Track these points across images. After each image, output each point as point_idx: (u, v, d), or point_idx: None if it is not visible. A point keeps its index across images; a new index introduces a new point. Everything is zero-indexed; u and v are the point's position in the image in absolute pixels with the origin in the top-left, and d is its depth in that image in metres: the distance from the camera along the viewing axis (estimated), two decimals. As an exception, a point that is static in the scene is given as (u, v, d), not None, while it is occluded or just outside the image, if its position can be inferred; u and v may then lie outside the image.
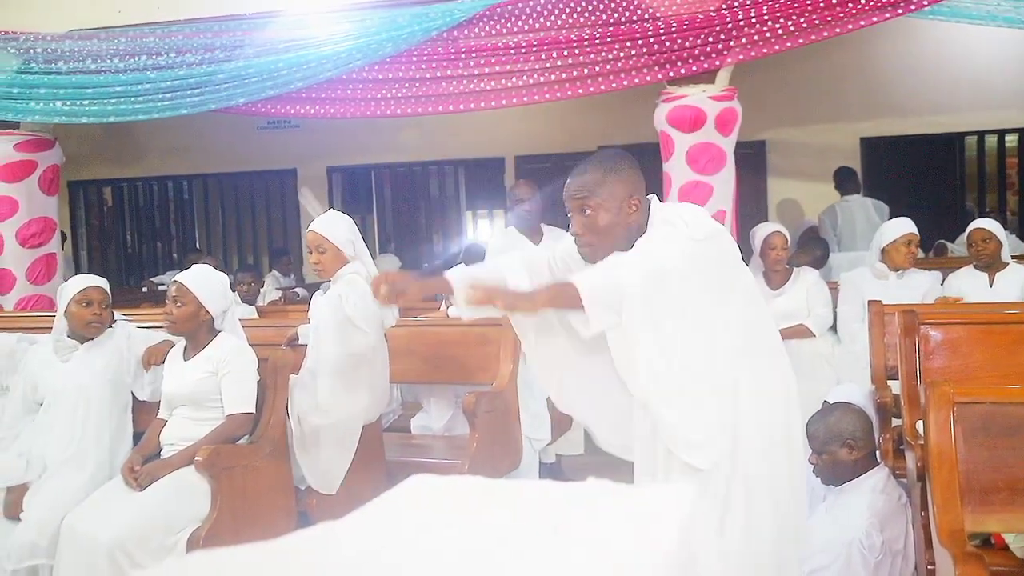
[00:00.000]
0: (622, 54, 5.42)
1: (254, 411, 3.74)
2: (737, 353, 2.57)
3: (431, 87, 5.73)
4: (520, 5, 5.55)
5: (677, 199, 5.18)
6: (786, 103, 8.78)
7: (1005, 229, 5.69)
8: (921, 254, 5.45)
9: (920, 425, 3.13)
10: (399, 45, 5.60)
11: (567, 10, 5.48)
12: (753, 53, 5.31)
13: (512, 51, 5.57)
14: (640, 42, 5.37)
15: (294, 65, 5.77)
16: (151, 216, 11.51)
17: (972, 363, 3.76)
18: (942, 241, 7.76)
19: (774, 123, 8.80)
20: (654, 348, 2.47)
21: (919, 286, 5.09)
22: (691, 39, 5.31)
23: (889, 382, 4.21)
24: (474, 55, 5.62)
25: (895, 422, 4.01)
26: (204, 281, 3.78)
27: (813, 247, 6.78)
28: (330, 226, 4.07)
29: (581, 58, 5.48)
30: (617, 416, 2.73)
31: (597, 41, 5.43)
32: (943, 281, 5.20)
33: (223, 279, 3.94)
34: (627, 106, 6.06)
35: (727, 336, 2.56)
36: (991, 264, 5.13)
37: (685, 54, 5.33)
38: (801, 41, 5.27)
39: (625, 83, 5.48)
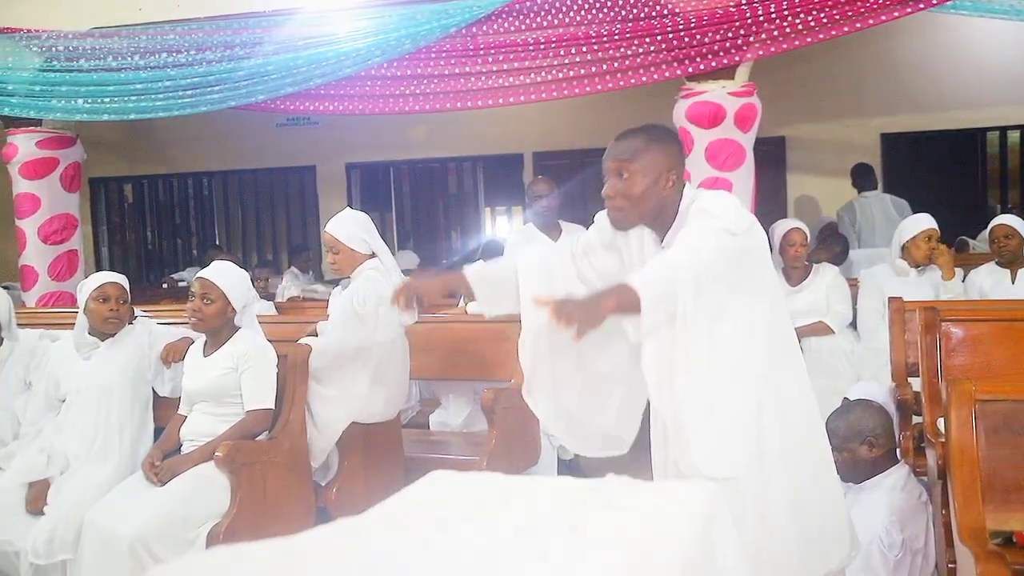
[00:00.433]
0: (641, 50, 5.41)
1: (274, 407, 3.76)
2: (765, 356, 2.52)
3: (450, 83, 5.74)
4: (539, 1, 5.54)
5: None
6: (806, 99, 8.73)
7: (1027, 225, 5.64)
8: (949, 252, 5.40)
9: (941, 423, 3.11)
10: (418, 42, 5.60)
11: (585, 6, 5.47)
12: (773, 49, 5.29)
13: (531, 47, 5.56)
14: (659, 38, 5.35)
15: (313, 62, 5.79)
16: (171, 213, 11.57)
17: (994, 360, 3.73)
18: (963, 238, 7.70)
19: (794, 119, 8.75)
20: (701, 351, 2.40)
21: (940, 282, 5.06)
22: (710, 35, 5.29)
23: (909, 379, 4.19)
24: (492, 51, 5.62)
25: (915, 419, 3.98)
26: (230, 277, 3.80)
27: (833, 243, 6.74)
28: (342, 227, 4.10)
29: (600, 54, 5.47)
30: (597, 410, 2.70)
31: (616, 37, 5.42)
32: (964, 278, 5.16)
33: (245, 275, 3.96)
34: (646, 102, 6.03)
35: (759, 339, 2.53)
36: (1013, 260, 5.09)
37: (704, 50, 5.31)
38: (821, 37, 5.24)
39: (644, 79, 5.46)
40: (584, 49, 5.48)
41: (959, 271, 5.15)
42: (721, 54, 5.31)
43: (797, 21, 5.18)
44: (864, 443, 3.42)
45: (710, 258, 2.38)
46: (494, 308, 2.73)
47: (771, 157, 8.36)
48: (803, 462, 2.58)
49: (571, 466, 5.41)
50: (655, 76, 5.45)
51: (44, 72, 6.20)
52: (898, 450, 3.67)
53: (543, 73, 5.58)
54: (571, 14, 5.50)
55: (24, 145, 6.43)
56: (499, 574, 0.73)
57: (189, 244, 11.62)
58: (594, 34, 5.46)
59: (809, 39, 5.23)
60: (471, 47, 5.65)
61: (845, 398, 4.03)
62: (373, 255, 4.11)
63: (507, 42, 5.59)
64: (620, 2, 5.41)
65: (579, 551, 0.76)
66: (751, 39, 5.26)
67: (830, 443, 3.44)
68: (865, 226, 7.68)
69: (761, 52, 5.30)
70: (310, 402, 3.94)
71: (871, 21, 5.19)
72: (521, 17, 5.57)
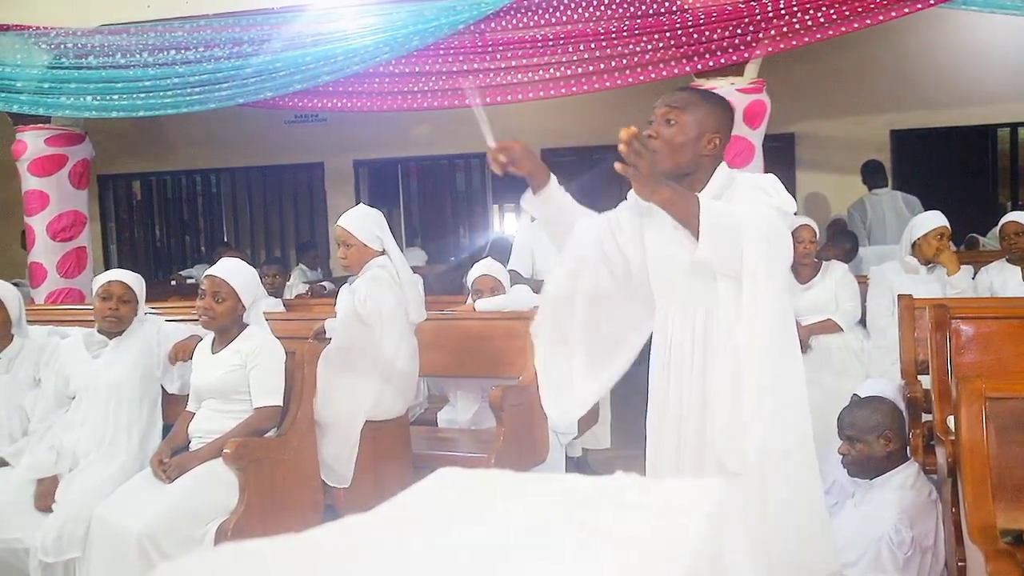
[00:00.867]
0: (649, 47, 5.40)
1: (282, 404, 3.76)
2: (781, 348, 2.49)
3: (458, 80, 5.73)
4: (547, -3, 5.54)
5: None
6: (815, 95, 8.71)
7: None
8: (953, 248, 5.39)
9: (951, 421, 3.09)
10: (426, 39, 5.60)
11: (594, 3, 5.46)
12: (782, 45, 5.27)
13: (539, 44, 5.56)
14: (668, 35, 5.34)
15: (321, 59, 5.79)
16: (179, 210, 11.59)
17: (1004, 358, 3.71)
18: (974, 235, 7.68)
19: (803, 116, 8.73)
20: (762, 308, 2.33)
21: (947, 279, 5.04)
22: (719, 31, 5.27)
23: (919, 377, 4.17)
24: (501, 48, 5.62)
25: (925, 417, 3.97)
26: (240, 275, 3.80)
27: (842, 241, 6.73)
28: (356, 221, 4.09)
29: (608, 51, 5.46)
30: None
31: (624, 34, 5.41)
32: (974, 275, 5.14)
33: (254, 272, 3.96)
34: (655, 99, 6.03)
35: (791, 328, 2.51)
36: (1024, 258, 5.08)
37: (713, 46, 5.30)
38: (831, 33, 5.22)
39: (653, 76, 5.45)
40: (593, 46, 5.47)
41: (969, 268, 5.13)
42: (730, 50, 5.29)
43: (806, 17, 5.16)
44: (881, 437, 3.41)
45: (770, 221, 2.36)
46: (548, 221, 2.72)
47: (780, 154, 8.34)
48: (800, 465, 2.56)
49: (579, 463, 5.41)
50: (664, 73, 5.43)
51: (53, 69, 6.21)
52: (908, 448, 3.66)
53: (551, 70, 5.57)
54: (579, 11, 5.50)
55: (33, 142, 6.45)
56: (507, 572, 0.73)
57: (197, 241, 11.65)
58: (603, 31, 5.45)
59: (818, 35, 5.21)
60: (479, 44, 5.65)
61: (855, 394, 4.02)
62: (383, 253, 4.11)
63: (515, 39, 5.59)
64: (628, -1, 5.40)
65: (588, 549, 0.76)
66: (760, 35, 5.25)
67: (844, 435, 3.44)
68: (876, 223, 7.65)
69: (770, 48, 5.29)
70: (323, 405, 3.94)
71: (881, 17, 5.17)
72: (529, 14, 5.56)
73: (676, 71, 5.41)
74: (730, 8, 5.23)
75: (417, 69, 5.78)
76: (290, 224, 11.04)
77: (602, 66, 5.49)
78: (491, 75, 5.65)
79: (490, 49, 5.63)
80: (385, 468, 4.09)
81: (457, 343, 4.74)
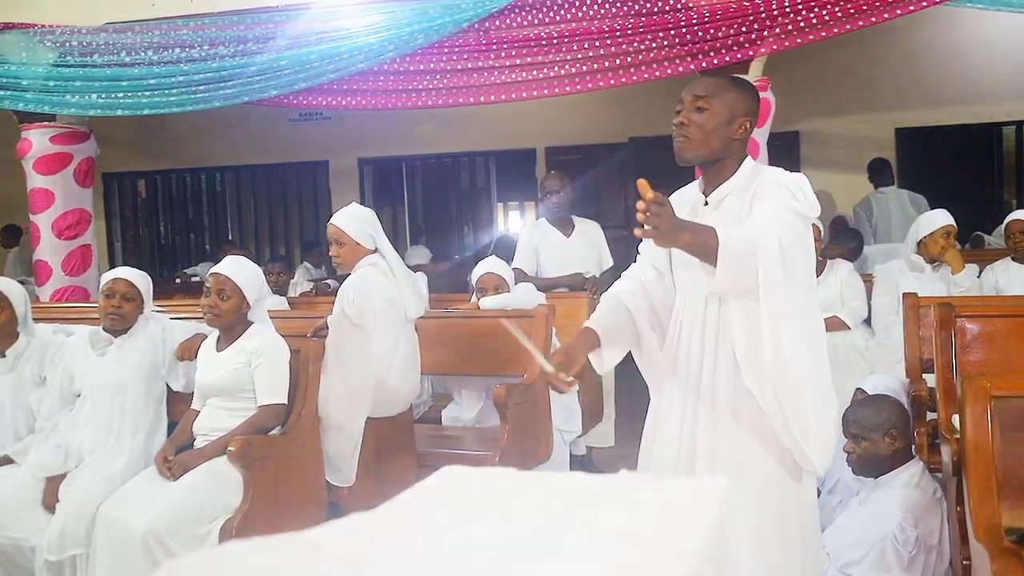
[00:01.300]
0: (654, 45, 5.39)
1: (286, 402, 3.76)
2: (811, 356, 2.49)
3: (462, 78, 5.73)
4: (551, -4, 5.53)
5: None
6: (820, 93, 8.70)
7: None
8: (958, 246, 5.38)
9: (956, 419, 3.09)
10: (431, 36, 5.60)
11: (598, 1, 5.46)
12: (786, 43, 5.26)
13: (543, 42, 5.55)
14: (672, 32, 5.33)
15: (326, 57, 5.79)
16: (184, 208, 11.61)
17: (1010, 356, 3.71)
18: (979, 233, 7.67)
19: (808, 114, 8.72)
20: (782, 324, 2.34)
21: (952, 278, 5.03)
22: (723, 29, 5.27)
23: (924, 375, 4.16)
24: (505, 46, 5.61)
25: (930, 416, 3.96)
26: (245, 272, 3.81)
27: (848, 239, 6.72)
28: (348, 220, 4.11)
29: (613, 49, 5.45)
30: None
31: (629, 32, 5.40)
32: (979, 274, 5.14)
33: (259, 270, 3.97)
34: (659, 97, 6.02)
35: (818, 328, 2.51)
36: (1029, 256, 5.07)
37: (718, 44, 5.29)
38: (835, 30, 5.21)
39: (657, 74, 5.45)
40: (597, 44, 5.47)
41: (974, 267, 5.12)
42: (735, 49, 5.29)
43: (811, 15, 5.15)
44: (887, 435, 3.40)
45: (793, 228, 2.36)
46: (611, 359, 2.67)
47: (785, 152, 8.33)
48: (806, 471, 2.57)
49: (583, 462, 5.42)
50: (668, 71, 5.43)
51: (58, 67, 6.21)
52: (912, 446, 3.66)
53: (556, 68, 5.57)
54: (584, 9, 5.49)
55: (38, 140, 6.45)
56: (511, 570, 0.73)
57: (202, 239, 11.66)
58: (607, 29, 5.44)
59: (823, 33, 5.20)
60: (484, 42, 5.65)
61: (859, 388, 4.02)
62: (376, 251, 4.11)
63: (520, 37, 5.58)
64: (633, -4, 5.40)
65: (592, 548, 0.76)
66: (765, 34, 5.24)
67: (849, 433, 3.44)
68: (881, 221, 7.64)
69: (775, 46, 5.28)
70: (323, 403, 3.94)
71: (886, 15, 5.16)
72: (534, 12, 5.56)
73: (680, 69, 5.40)
74: (734, 6, 5.22)
75: (422, 67, 5.78)
76: (295, 222, 11.05)
77: (606, 64, 5.48)
78: (495, 73, 5.65)
79: (494, 47, 5.63)
80: (389, 466, 4.09)
81: (461, 341, 4.74)
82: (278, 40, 5.86)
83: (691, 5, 5.31)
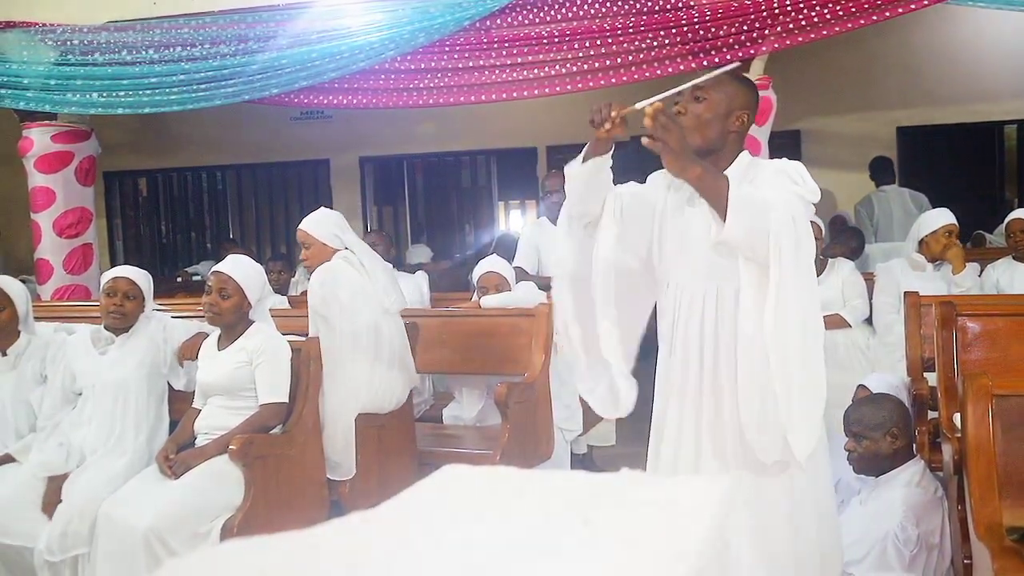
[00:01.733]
0: (655, 43, 5.39)
1: (287, 401, 3.76)
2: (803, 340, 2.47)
3: (463, 77, 5.73)
4: (553, -6, 5.53)
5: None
6: (821, 92, 8.69)
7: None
8: (959, 245, 5.37)
9: (957, 418, 3.09)
10: (432, 35, 5.60)
11: (600, -1, 5.46)
12: (788, 42, 5.26)
13: (545, 41, 5.55)
14: (674, 31, 5.33)
15: (327, 56, 5.79)
16: (185, 206, 11.60)
17: (1011, 355, 3.70)
18: (980, 232, 7.65)
19: (809, 112, 8.71)
20: (790, 291, 2.29)
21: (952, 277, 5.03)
22: (725, 28, 5.26)
23: (925, 374, 4.16)
24: (507, 45, 5.61)
25: (931, 415, 3.96)
26: (246, 271, 3.81)
27: (849, 238, 6.71)
28: (313, 222, 4.17)
29: (614, 47, 5.45)
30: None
31: (630, 30, 5.40)
32: (981, 272, 5.13)
33: (261, 269, 3.97)
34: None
35: (817, 319, 2.48)
36: (1031, 255, 5.06)
37: (719, 43, 5.29)
38: (837, 29, 5.21)
39: (659, 72, 5.44)
40: (598, 42, 5.46)
41: (976, 265, 5.12)
42: (736, 47, 5.28)
43: (813, 14, 5.15)
44: (888, 434, 3.40)
45: (799, 209, 2.34)
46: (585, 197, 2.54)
47: (786, 151, 8.30)
48: (820, 465, 2.56)
49: (585, 460, 5.42)
50: (670, 69, 5.42)
51: (59, 66, 6.21)
52: (914, 445, 3.66)
53: (557, 67, 5.57)
54: (585, 7, 5.49)
55: (39, 139, 6.45)
56: (511, 570, 0.73)
57: (203, 238, 11.65)
58: (608, 27, 5.44)
59: (825, 32, 5.20)
60: (485, 40, 5.64)
61: (861, 385, 4.02)
62: (346, 250, 4.10)
63: (521, 35, 5.58)
64: (634, -5, 5.39)
65: (592, 547, 0.76)
66: (766, 32, 5.24)
67: (851, 432, 3.44)
68: (883, 220, 7.64)
69: (776, 45, 5.28)
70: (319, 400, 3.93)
71: (887, 14, 5.16)
72: (535, 10, 5.56)
73: (682, 68, 5.40)
74: (736, 5, 5.22)
75: (423, 66, 5.78)
76: (296, 221, 10.86)
77: (607, 63, 5.48)
78: (496, 72, 5.65)
79: (496, 46, 5.62)
80: (390, 465, 4.09)
81: (462, 340, 4.74)
82: (279, 39, 5.85)
83: (692, 4, 5.31)
